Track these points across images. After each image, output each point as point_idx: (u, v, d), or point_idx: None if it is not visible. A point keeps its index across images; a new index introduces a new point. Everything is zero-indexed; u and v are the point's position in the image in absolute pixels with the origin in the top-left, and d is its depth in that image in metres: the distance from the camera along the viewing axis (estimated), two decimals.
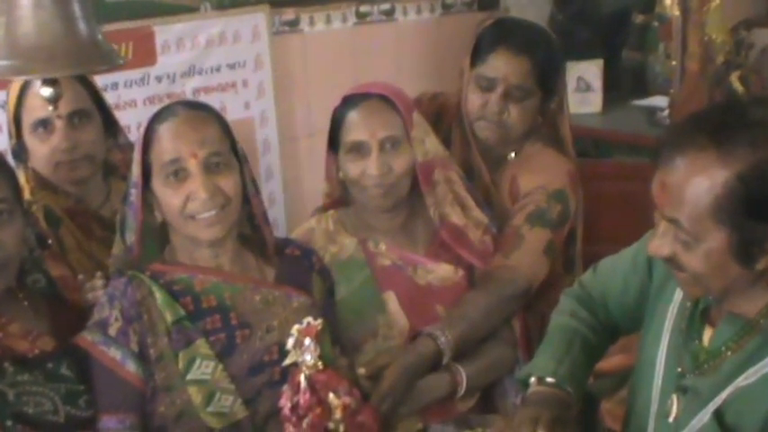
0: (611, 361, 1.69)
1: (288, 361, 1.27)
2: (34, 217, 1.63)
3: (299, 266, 1.52)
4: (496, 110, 1.77)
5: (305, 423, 1.26)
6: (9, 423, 1.28)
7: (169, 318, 1.37)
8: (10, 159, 1.63)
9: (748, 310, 1.18)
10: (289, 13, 2.71)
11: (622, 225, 1.75)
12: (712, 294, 1.20)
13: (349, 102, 1.60)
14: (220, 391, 1.38)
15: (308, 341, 1.25)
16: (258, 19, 2.62)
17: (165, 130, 1.39)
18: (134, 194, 1.41)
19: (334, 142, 1.62)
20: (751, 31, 3.00)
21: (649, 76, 3.22)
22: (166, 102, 1.54)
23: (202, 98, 2.43)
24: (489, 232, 1.69)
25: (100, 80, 1.91)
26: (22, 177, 1.64)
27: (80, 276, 1.55)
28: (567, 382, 1.33)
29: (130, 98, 2.41)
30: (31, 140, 1.70)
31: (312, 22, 2.76)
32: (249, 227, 1.48)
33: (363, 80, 1.68)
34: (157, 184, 1.39)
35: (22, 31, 1.22)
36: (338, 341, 1.51)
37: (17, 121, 1.71)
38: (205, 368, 1.37)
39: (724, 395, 1.17)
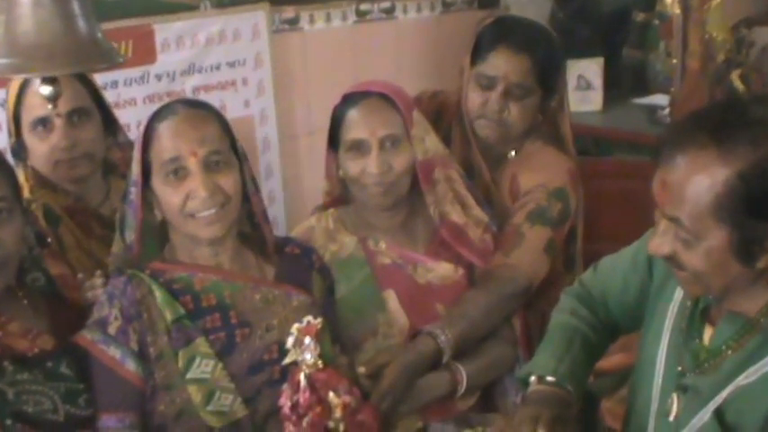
0: (612, 359, 1.69)
1: (288, 360, 1.27)
2: (33, 215, 1.63)
3: (298, 265, 1.52)
4: (497, 108, 1.77)
5: (305, 422, 1.26)
6: (9, 422, 1.28)
7: (169, 316, 1.37)
8: (9, 158, 1.63)
9: (749, 308, 1.18)
10: (289, 12, 2.71)
11: (623, 223, 1.75)
12: (713, 293, 1.20)
13: (349, 100, 1.59)
14: (220, 389, 1.38)
15: (307, 340, 1.25)
16: (258, 17, 2.62)
17: (164, 129, 1.39)
18: (134, 193, 1.41)
19: (334, 140, 1.62)
20: (752, 30, 2.99)
21: (650, 74, 3.21)
22: (166, 100, 1.54)
23: (202, 96, 2.43)
24: (489, 231, 1.68)
25: (100, 78, 1.91)
26: (21, 176, 1.64)
27: (79, 275, 1.55)
28: (568, 381, 1.33)
29: (130, 96, 2.41)
30: (30, 139, 1.69)
31: (312, 21, 2.76)
32: (249, 225, 1.48)
33: (363, 78, 1.68)
34: (157, 182, 1.39)
35: (21, 29, 1.22)
36: (338, 340, 1.51)
37: (16, 119, 1.70)
38: (205, 367, 1.37)
39: (724, 394, 1.17)
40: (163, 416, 1.38)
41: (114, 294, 1.38)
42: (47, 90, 1.29)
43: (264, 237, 1.48)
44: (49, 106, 1.36)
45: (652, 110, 3.03)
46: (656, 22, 3.16)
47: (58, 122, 1.67)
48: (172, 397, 1.37)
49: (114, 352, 1.36)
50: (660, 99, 3.07)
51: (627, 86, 3.27)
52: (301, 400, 1.26)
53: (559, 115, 1.87)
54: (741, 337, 1.18)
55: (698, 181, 1.10)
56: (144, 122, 1.42)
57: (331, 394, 1.26)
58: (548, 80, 1.80)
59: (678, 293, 1.29)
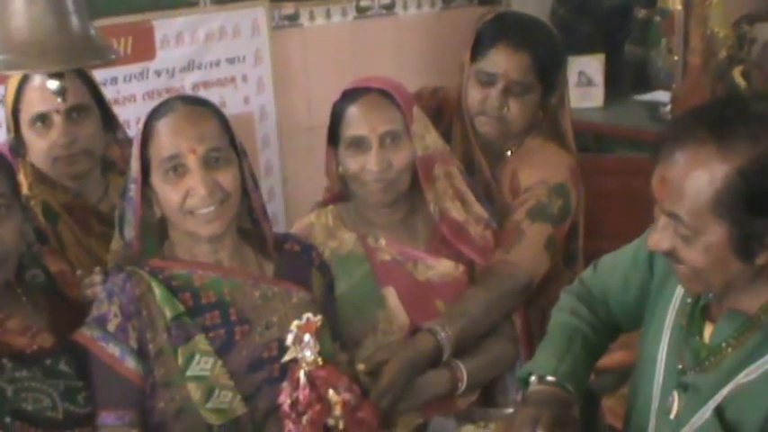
0: (613, 357, 1.68)
1: (287, 357, 1.27)
2: (33, 212, 1.62)
3: (298, 262, 1.52)
4: (497, 105, 1.77)
5: (304, 419, 1.25)
6: (8, 420, 1.28)
7: (168, 313, 1.37)
8: (8, 154, 1.63)
9: (749, 306, 1.17)
10: (288, 8, 2.70)
11: (624, 220, 1.75)
12: (713, 290, 1.20)
13: (349, 96, 1.59)
14: (219, 387, 1.37)
15: (307, 337, 1.25)
16: (258, 13, 2.61)
17: (163, 126, 1.38)
18: (133, 190, 1.41)
19: (333, 137, 1.62)
20: (753, 26, 2.98)
21: (651, 70, 3.21)
22: (165, 97, 1.53)
23: (202, 93, 2.43)
24: (490, 227, 1.68)
25: (99, 75, 1.90)
26: (20, 172, 1.63)
27: (78, 272, 1.55)
28: (568, 381, 1.32)
29: (130, 93, 2.41)
30: (29, 135, 1.69)
31: (312, 17, 2.75)
32: (248, 222, 1.48)
33: (363, 75, 1.68)
34: (156, 179, 1.39)
35: (14, 25, 1.22)
36: (338, 337, 1.51)
37: (15, 115, 1.70)
38: (204, 364, 1.37)
39: (725, 392, 1.17)
40: (162, 413, 1.37)
41: (113, 291, 1.38)
42: (54, 84, 1.29)
43: (264, 234, 1.47)
44: (58, 100, 1.36)
45: (653, 106, 3.02)
46: (658, 18, 3.15)
47: (57, 119, 1.67)
48: (171, 394, 1.37)
49: (113, 349, 1.36)
50: (661, 96, 3.06)
51: (628, 83, 3.26)
52: (301, 397, 1.25)
53: (560, 112, 1.87)
54: (741, 334, 1.17)
55: (697, 177, 1.10)
56: (143, 119, 1.42)
57: (331, 392, 1.26)
58: (548, 77, 1.80)
59: (679, 291, 1.28)
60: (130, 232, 1.42)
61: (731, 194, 1.08)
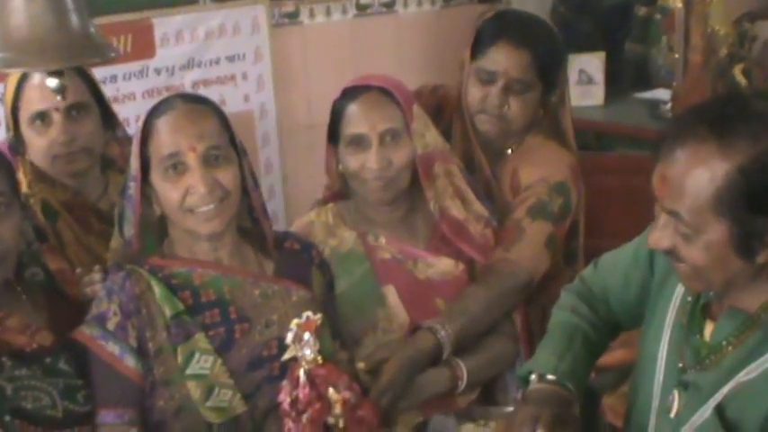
0: (613, 355, 1.68)
1: (287, 356, 1.27)
2: (32, 210, 1.62)
3: (298, 260, 1.51)
4: (497, 103, 1.76)
5: (304, 418, 1.25)
6: (7, 418, 1.28)
7: (168, 312, 1.36)
8: (7, 152, 1.63)
9: (749, 304, 1.17)
10: (288, 5, 2.70)
11: (624, 219, 1.75)
12: (713, 288, 1.19)
13: (349, 94, 1.59)
14: (219, 385, 1.37)
15: (307, 336, 1.24)
16: (258, 11, 2.61)
17: (163, 124, 1.38)
18: (133, 188, 1.41)
19: (333, 135, 1.61)
20: (754, 24, 2.98)
21: (652, 68, 3.20)
22: (165, 95, 1.53)
23: (201, 91, 2.43)
24: (490, 226, 1.68)
25: (99, 73, 1.90)
26: (19, 170, 1.63)
27: (78, 270, 1.55)
28: (568, 379, 1.32)
29: (129, 91, 2.41)
30: (28, 133, 1.69)
31: (312, 15, 2.75)
32: (248, 220, 1.47)
33: (363, 72, 1.67)
34: (156, 177, 1.39)
35: (14, 23, 1.23)
36: (338, 335, 1.51)
37: (15, 113, 1.70)
38: (204, 363, 1.37)
39: (725, 390, 1.17)
40: (162, 412, 1.37)
41: (113, 290, 1.38)
42: (54, 82, 1.29)
43: (264, 232, 1.47)
44: (58, 97, 1.36)
45: (654, 104, 3.02)
46: (658, 16, 3.15)
47: (57, 117, 1.66)
48: (171, 393, 1.37)
49: (113, 348, 1.35)
50: (662, 94, 3.06)
51: (628, 81, 3.26)
52: (301, 395, 1.25)
53: (560, 110, 1.87)
54: (742, 333, 1.17)
55: (698, 175, 1.10)
56: (143, 117, 1.42)
57: (331, 390, 1.26)
58: (548, 75, 1.80)
59: (679, 289, 1.28)
60: (130, 230, 1.42)
61: (732, 192, 1.08)
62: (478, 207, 1.67)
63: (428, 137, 1.61)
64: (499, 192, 1.81)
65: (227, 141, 1.41)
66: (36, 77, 1.64)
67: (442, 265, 1.63)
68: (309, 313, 1.26)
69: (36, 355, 1.33)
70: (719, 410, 1.17)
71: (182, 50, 2.49)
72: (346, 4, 2.80)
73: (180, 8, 2.48)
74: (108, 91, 2.02)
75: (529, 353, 1.64)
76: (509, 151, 1.84)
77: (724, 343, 1.18)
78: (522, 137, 1.83)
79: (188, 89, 2.47)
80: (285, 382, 1.29)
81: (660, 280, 1.33)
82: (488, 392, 1.68)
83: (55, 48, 1.23)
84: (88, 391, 1.36)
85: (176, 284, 1.39)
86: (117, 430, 1.35)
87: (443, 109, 1.90)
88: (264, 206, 1.49)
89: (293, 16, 2.72)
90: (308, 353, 1.25)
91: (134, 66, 2.39)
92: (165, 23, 2.44)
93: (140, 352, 1.36)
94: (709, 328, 1.22)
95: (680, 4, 2.85)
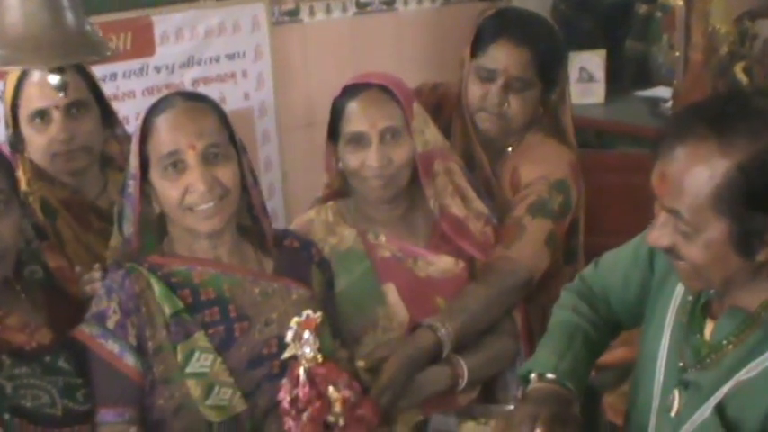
0: (614, 354, 1.68)
1: (287, 354, 1.27)
2: (31, 208, 1.62)
3: (297, 258, 1.51)
4: (497, 101, 1.76)
5: (304, 416, 1.25)
6: (7, 416, 1.28)
7: (167, 310, 1.36)
8: (6, 150, 1.63)
9: (749, 303, 1.17)
10: (288, 3, 2.70)
11: (624, 217, 1.74)
12: (713, 287, 1.19)
13: (349, 92, 1.58)
14: (219, 384, 1.37)
15: (307, 334, 1.24)
16: (258, 9, 2.61)
17: (162, 122, 1.38)
18: (132, 186, 1.40)
19: (333, 133, 1.61)
20: (755, 22, 2.97)
21: (652, 66, 3.20)
22: (165, 93, 1.53)
23: (201, 89, 2.43)
24: (490, 223, 1.68)
25: (98, 71, 1.90)
26: (18, 168, 1.63)
27: (77, 268, 1.55)
28: (568, 379, 1.32)
29: (129, 89, 2.41)
30: (28, 131, 1.69)
31: (312, 12, 2.75)
32: (248, 218, 1.47)
33: (363, 70, 1.67)
34: (155, 175, 1.38)
35: (9, 20, 1.22)
36: (338, 334, 1.50)
37: (14, 111, 1.70)
38: (204, 361, 1.37)
39: (725, 389, 1.16)
40: (162, 410, 1.37)
41: (113, 288, 1.38)
42: (55, 79, 1.28)
43: (263, 230, 1.47)
44: (60, 94, 1.35)
45: (654, 102, 3.02)
46: (659, 14, 3.15)
47: (57, 115, 1.66)
48: (171, 391, 1.37)
49: (113, 346, 1.35)
50: (663, 92, 3.06)
51: (629, 79, 3.26)
52: (301, 394, 1.25)
53: (561, 108, 1.86)
54: (742, 331, 1.17)
55: (697, 172, 1.10)
56: (142, 115, 1.41)
57: (330, 389, 1.26)
58: (549, 73, 1.79)
59: (679, 289, 1.28)
60: (129, 228, 1.42)
61: (731, 190, 1.08)
62: (478, 205, 1.67)
63: (428, 135, 1.60)
64: (499, 190, 1.81)
65: (227, 139, 1.41)
66: (36, 75, 1.64)
67: (443, 263, 1.63)
68: (309, 311, 1.26)
69: (35, 354, 1.33)
70: (720, 409, 1.16)
71: (181, 48, 2.49)
72: (346, 1, 2.80)
73: (180, 6, 2.47)
74: (108, 89, 2.02)
75: (529, 351, 1.64)
76: (509, 149, 1.84)
77: (724, 342, 1.18)
78: (522, 135, 1.83)
79: (188, 87, 2.46)
80: (285, 381, 1.29)
81: (660, 278, 1.33)
82: (489, 391, 1.68)
83: (50, 45, 1.22)
84: (88, 389, 1.36)
85: (176, 283, 1.39)
86: (116, 429, 1.35)
87: (443, 107, 1.90)
88: (264, 204, 1.49)
89: (293, 14, 2.72)
90: (308, 351, 1.25)
91: (134, 64, 2.39)
92: (164, 21, 2.44)
93: (140, 350, 1.36)
94: (709, 327, 1.22)
95: (681, 2, 2.85)
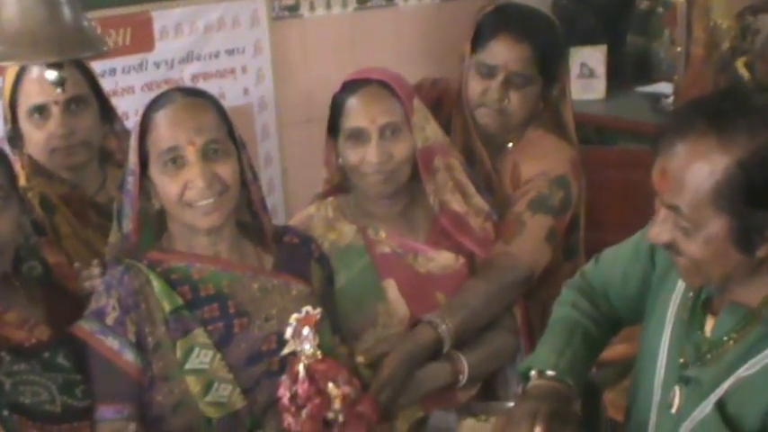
0: (614, 350, 1.68)
1: (286, 350, 1.26)
2: (30, 204, 1.62)
3: (297, 254, 1.51)
4: (497, 97, 1.76)
5: (304, 413, 1.25)
6: (5, 413, 1.27)
7: (167, 306, 1.36)
8: (5, 145, 1.62)
9: (750, 299, 1.17)
10: None
11: (625, 213, 1.74)
12: (713, 283, 1.19)
13: (349, 88, 1.58)
14: (218, 380, 1.37)
15: (306, 330, 1.24)
16: (257, 4, 2.60)
17: (162, 118, 1.37)
18: (131, 182, 1.40)
19: (333, 128, 1.61)
20: (757, 17, 2.96)
21: (654, 62, 3.20)
22: (164, 88, 1.52)
23: (201, 84, 2.43)
24: (490, 219, 1.67)
25: (97, 66, 1.89)
26: (17, 164, 1.63)
27: (76, 264, 1.55)
28: (568, 375, 1.32)
29: (128, 84, 2.40)
30: (26, 126, 1.68)
31: (312, 8, 2.74)
32: (247, 214, 1.47)
33: (363, 66, 1.66)
34: (155, 171, 1.38)
35: (5, 16, 1.22)
36: (337, 330, 1.50)
37: (13, 106, 1.69)
38: (203, 357, 1.36)
39: (726, 386, 1.16)
40: (161, 406, 1.37)
41: (112, 284, 1.37)
42: (53, 75, 1.28)
43: (263, 226, 1.47)
44: (58, 90, 1.35)
45: (655, 98, 3.01)
46: (660, 9, 3.14)
47: (56, 110, 1.66)
48: (170, 388, 1.36)
49: (112, 342, 1.35)
50: (664, 87, 3.05)
51: (630, 74, 3.25)
52: (300, 391, 1.25)
53: (561, 103, 1.86)
54: (742, 328, 1.17)
55: (697, 168, 1.09)
56: (141, 111, 1.41)
57: (330, 385, 1.25)
58: (549, 68, 1.79)
59: (680, 285, 1.28)
60: (128, 224, 1.42)
61: (731, 186, 1.08)
62: (479, 201, 1.66)
63: (428, 130, 1.60)
64: (499, 185, 1.81)
65: (226, 135, 1.40)
66: (35, 71, 1.63)
67: (443, 259, 1.63)
68: (309, 308, 1.25)
69: (34, 350, 1.33)
70: (720, 406, 1.16)
71: (181, 44, 2.48)
72: None
73: (179, 1, 2.47)
74: (107, 84, 2.02)
75: (529, 347, 1.63)
76: (509, 145, 1.84)
77: (725, 338, 1.18)
78: (522, 130, 1.82)
79: (187, 82, 2.46)
80: (284, 377, 1.28)
81: (661, 274, 1.32)
82: (489, 387, 1.68)
83: (47, 41, 1.22)
84: (87, 385, 1.36)
85: (175, 279, 1.39)
86: (116, 425, 1.35)
87: (443, 102, 1.89)
88: (263, 200, 1.49)
89: (293, 9, 2.71)
90: (308, 348, 1.24)
91: (133, 59, 2.39)
92: (164, 16, 2.43)
93: (139, 347, 1.35)
94: (710, 324, 1.22)
95: None
